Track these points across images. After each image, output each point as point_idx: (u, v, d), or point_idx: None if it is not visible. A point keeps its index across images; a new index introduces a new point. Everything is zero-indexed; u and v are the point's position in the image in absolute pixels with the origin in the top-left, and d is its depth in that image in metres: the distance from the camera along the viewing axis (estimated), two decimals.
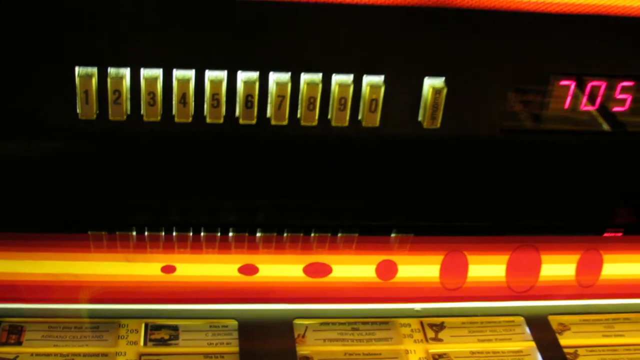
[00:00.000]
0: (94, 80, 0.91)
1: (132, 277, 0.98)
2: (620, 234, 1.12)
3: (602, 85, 1.06)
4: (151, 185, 1.01)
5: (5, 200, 0.98)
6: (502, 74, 1.02)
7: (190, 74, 0.93)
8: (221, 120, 0.96)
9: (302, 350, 0.98)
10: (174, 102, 0.94)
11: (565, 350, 1.02)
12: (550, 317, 1.06)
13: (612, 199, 1.13)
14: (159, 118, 0.94)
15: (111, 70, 0.91)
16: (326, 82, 0.98)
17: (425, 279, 1.04)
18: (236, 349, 0.95)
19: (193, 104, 0.94)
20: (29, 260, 0.95)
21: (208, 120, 0.95)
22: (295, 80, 0.95)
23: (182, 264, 0.98)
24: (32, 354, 0.88)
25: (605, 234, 1.12)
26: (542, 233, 1.10)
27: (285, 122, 0.97)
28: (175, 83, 0.93)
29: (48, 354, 0.88)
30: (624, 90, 1.07)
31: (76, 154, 0.98)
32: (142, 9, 0.91)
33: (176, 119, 0.94)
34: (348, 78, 0.98)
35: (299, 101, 0.96)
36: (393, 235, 1.08)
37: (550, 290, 1.07)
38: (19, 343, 0.89)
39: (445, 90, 1.01)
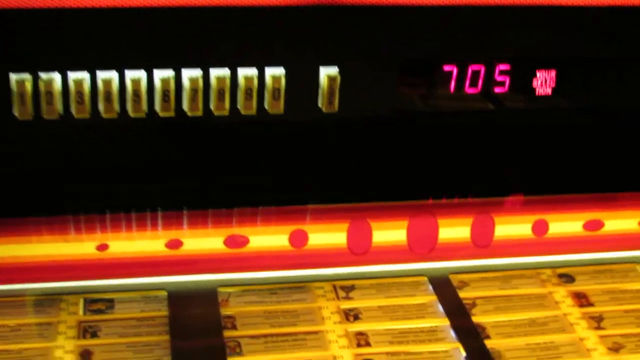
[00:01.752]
0: (28, 85, 1.06)
1: (70, 257, 1.13)
2: (507, 199, 1.28)
3: (482, 69, 1.25)
4: (83, 172, 1.15)
5: None
6: (390, 61, 1.16)
7: (113, 75, 1.08)
8: (144, 115, 1.11)
9: (226, 311, 1.13)
10: (99, 100, 1.09)
11: (465, 301, 1.19)
12: (451, 276, 1.22)
13: (496, 169, 1.27)
14: (88, 115, 1.09)
15: (42, 75, 1.07)
16: (234, 75, 1.12)
17: (334, 245, 1.20)
18: (166, 313, 1.12)
19: (118, 100, 1.09)
20: None
21: (131, 114, 1.10)
22: (206, 76, 1.11)
23: (114, 242, 1.13)
24: None
25: (495, 199, 1.26)
26: (438, 199, 1.24)
27: (200, 113, 1.12)
28: (100, 83, 1.08)
29: None
30: (502, 72, 1.24)
31: (17, 149, 1.12)
32: (66, 21, 1.06)
33: (103, 115, 1.09)
34: (252, 71, 1.12)
35: (210, 93, 1.12)
36: (303, 207, 1.21)
37: (449, 252, 1.24)
38: None
39: (339, 78, 1.14)
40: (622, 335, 1.11)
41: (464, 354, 1.06)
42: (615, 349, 1.09)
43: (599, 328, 1.12)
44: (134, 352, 1.04)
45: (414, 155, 1.24)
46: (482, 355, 1.07)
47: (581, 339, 1.10)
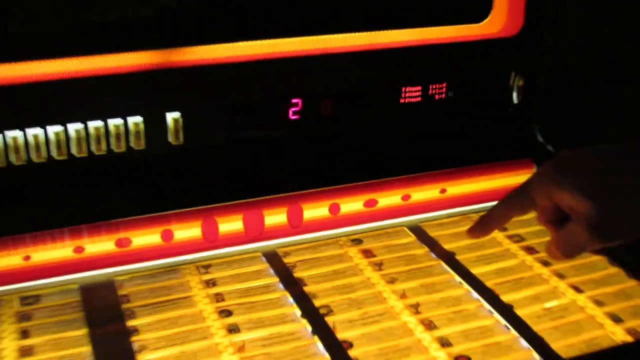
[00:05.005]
0: None
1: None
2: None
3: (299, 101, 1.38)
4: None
5: None
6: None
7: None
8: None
9: (122, 292, 1.25)
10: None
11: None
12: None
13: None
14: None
15: None
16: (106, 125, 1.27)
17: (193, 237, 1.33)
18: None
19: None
20: None
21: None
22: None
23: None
24: None
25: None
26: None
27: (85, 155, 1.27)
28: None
29: None
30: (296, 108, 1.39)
31: None
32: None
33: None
34: (119, 121, 1.27)
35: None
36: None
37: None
38: None
39: (181, 120, 1.31)
40: (396, 273, 1.33)
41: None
42: (391, 281, 1.29)
43: (380, 270, 1.33)
44: None
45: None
46: (300, 295, 1.26)
47: (369, 278, 1.31)
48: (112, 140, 1.30)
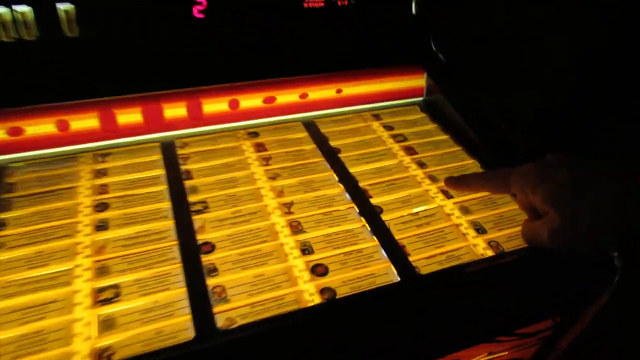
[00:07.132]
0: None
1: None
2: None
3: None
4: None
5: None
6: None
7: None
8: None
9: (9, 180, 0.87)
10: None
11: (180, 156, 0.96)
12: (176, 140, 0.99)
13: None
14: None
15: None
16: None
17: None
18: None
19: None
20: None
21: None
22: None
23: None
24: None
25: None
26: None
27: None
28: None
29: None
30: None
31: None
32: None
33: None
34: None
35: None
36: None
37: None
38: None
39: (73, 12, 0.87)
40: (281, 168, 0.95)
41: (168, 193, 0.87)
42: (274, 177, 0.93)
43: (267, 165, 0.96)
44: None
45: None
46: (180, 190, 0.88)
47: (253, 173, 0.94)
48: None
